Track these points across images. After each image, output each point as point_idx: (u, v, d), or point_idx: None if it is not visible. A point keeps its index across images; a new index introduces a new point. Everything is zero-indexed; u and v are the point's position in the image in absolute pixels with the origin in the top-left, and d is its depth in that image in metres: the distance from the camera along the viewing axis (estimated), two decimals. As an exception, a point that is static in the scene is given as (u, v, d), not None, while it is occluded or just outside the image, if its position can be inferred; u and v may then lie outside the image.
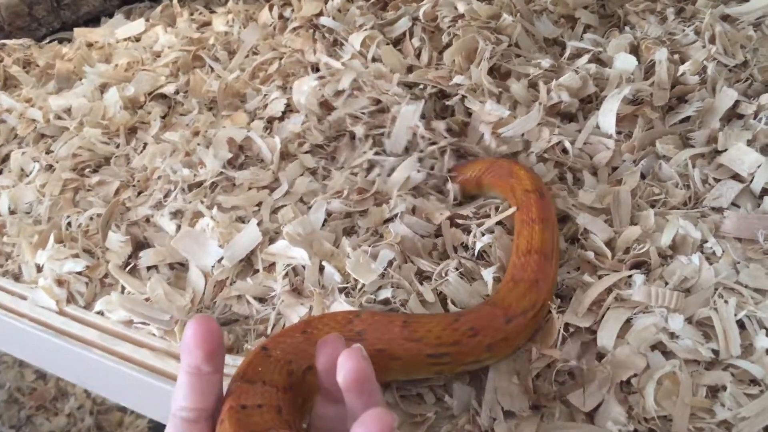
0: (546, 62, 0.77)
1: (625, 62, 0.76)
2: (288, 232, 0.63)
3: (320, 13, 0.97)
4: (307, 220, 0.64)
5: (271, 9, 1.04)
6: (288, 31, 0.97)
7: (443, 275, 0.59)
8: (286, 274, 0.61)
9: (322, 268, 0.61)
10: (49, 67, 1.00)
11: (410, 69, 0.84)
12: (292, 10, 1.02)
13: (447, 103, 0.78)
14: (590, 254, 0.57)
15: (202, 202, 0.70)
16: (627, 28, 0.86)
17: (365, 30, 0.89)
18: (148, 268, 0.68)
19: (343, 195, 0.68)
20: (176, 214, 0.71)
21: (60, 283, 0.66)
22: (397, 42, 0.89)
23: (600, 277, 0.56)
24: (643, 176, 0.67)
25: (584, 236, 0.60)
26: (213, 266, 0.64)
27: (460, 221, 0.65)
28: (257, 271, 0.64)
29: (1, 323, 0.67)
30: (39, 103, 0.89)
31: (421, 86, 0.79)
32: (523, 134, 0.72)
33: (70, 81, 0.97)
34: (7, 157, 0.84)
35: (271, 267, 0.64)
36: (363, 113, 0.77)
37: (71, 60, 1.00)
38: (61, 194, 0.76)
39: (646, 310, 0.52)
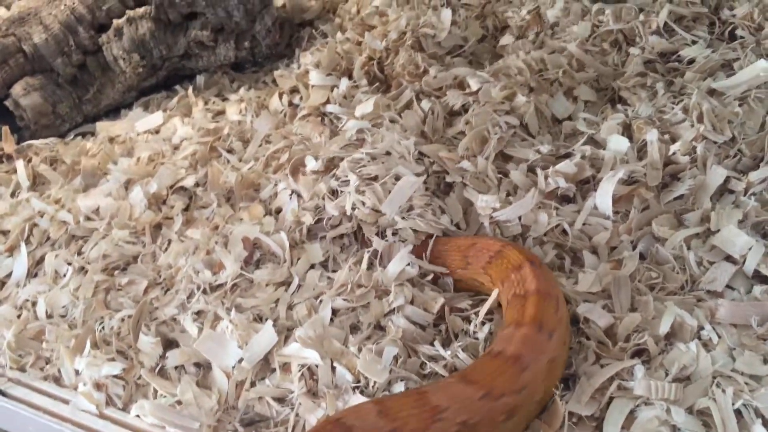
0: (545, 148, 0.81)
1: (618, 144, 0.80)
2: (300, 335, 0.67)
3: (327, 101, 1.02)
4: (317, 321, 0.69)
5: (281, 97, 1.10)
6: (298, 118, 1.03)
7: (454, 356, 0.63)
8: (302, 376, 0.65)
9: (333, 368, 0.65)
10: (75, 164, 1.06)
11: (423, 134, 0.89)
12: (301, 98, 1.08)
13: (448, 180, 0.82)
14: (592, 343, 0.61)
15: (222, 303, 0.75)
16: (619, 106, 0.90)
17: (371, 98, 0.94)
18: (175, 367, 0.72)
19: (347, 290, 0.72)
20: (199, 314, 0.76)
21: (99, 387, 0.70)
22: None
23: (602, 366, 0.59)
24: (642, 256, 0.71)
25: (585, 324, 0.64)
26: (234, 366, 0.68)
27: (458, 314, 0.69)
28: (274, 370, 0.68)
29: (45, 427, 0.71)
30: (68, 204, 0.94)
31: (430, 159, 0.84)
32: (520, 218, 0.76)
33: (95, 177, 1.03)
34: (41, 260, 0.89)
35: (286, 366, 0.68)
36: (363, 162, 0.81)
37: (95, 156, 1.06)
38: (93, 296, 0.81)
39: (648, 401, 0.55)
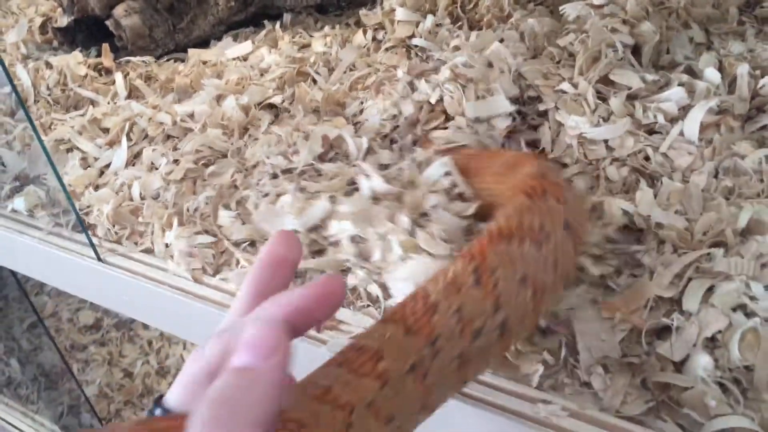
0: (650, 76, 0.81)
1: (712, 75, 0.81)
2: (343, 210, 0.69)
3: (412, 35, 1.06)
4: (359, 198, 0.71)
5: (365, 33, 1.14)
6: (382, 50, 1.07)
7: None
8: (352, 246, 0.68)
9: (387, 240, 0.66)
10: (168, 81, 1.12)
11: (524, 44, 0.90)
12: (385, 33, 1.12)
13: (541, 108, 0.84)
14: (672, 234, 0.63)
15: (288, 184, 0.78)
16: (714, 44, 0.91)
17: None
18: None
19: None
20: (267, 195, 0.79)
21: (192, 255, 0.75)
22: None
23: (680, 255, 0.61)
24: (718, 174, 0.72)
25: (658, 228, 0.65)
26: None
27: None
28: (326, 247, 0.71)
29: (143, 290, 0.76)
30: (165, 109, 1.00)
31: (528, 82, 0.85)
32: (607, 141, 0.78)
33: (187, 93, 1.08)
34: (138, 154, 0.94)
35: (337, 242, 0.70)
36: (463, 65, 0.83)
37: (188, 75, 1.12)
38: (182, 181, 0.86)
39: (727, 277, 0.57)
